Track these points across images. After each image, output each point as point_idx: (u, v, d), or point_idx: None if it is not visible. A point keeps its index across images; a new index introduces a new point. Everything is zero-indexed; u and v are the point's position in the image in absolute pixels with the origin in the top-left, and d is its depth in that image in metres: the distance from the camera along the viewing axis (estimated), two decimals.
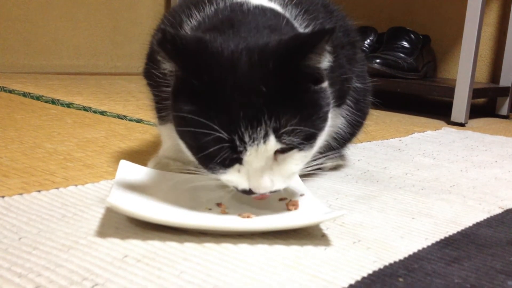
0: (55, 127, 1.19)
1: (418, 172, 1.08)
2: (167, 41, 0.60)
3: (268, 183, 0.64)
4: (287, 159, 0.64)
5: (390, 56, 2.10)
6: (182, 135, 0.65)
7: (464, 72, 1.82)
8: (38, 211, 0.67)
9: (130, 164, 0.81)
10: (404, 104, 2.23)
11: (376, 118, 1.65)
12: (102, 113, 1.44)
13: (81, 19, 2.36)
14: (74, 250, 0.57)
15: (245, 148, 0.61)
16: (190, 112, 0.61)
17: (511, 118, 2.19)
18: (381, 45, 2.24)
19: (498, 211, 0.85)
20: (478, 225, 0.77)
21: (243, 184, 0.64)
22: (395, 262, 0.61)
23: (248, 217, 0.67)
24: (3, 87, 1.67)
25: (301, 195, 0.75)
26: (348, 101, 0.95)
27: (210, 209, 0.70)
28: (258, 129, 0.60)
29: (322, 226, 0.70)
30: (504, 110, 2.20)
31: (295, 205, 0.71)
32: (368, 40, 2.28)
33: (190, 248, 0.60)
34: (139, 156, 1.01)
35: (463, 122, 1.83)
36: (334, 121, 0.94)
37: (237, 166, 0.63)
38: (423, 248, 0.66)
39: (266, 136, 0.60)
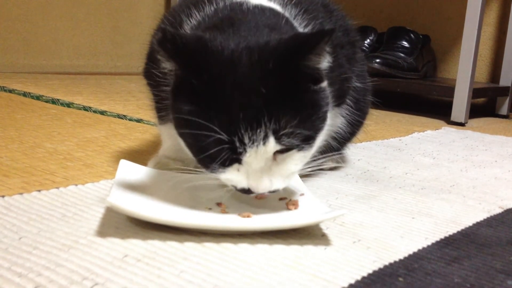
0: (55, 127, 1.19)
1: (418, 171, 1.08)
2: (167, 40, 0.60)
3: (267, 183, 0.64)
4: (287, 159, 0.65)
5: (390, 56, 2.10)
6: (182, 136, 0.65)
7: (464, 72, 1.82)
8: (38, 211, 0.67)
9: (130, 164, 0.81)
10: (404, 103, 2.23)
11: (376, 117, 1.65)
12: (102, 112, 1.44)
13: (81, 19, 2.36)
14: (74, 250, 0.57)
15: (244, 150, 0.61)
16: (190, 113, 0.61)
17: (511, 118, 2.19)
18: (381, 44, 2.24)
19: (498, 210, 0.85)
20: (478, 224, 0.77)
21: (242, 184, 0.65)
22: (395, 262, 0.61)
23: (248, 216, 0.67)
24: (3, 86, 1.67)
25: (301, 194, 0.75)
26: (348, 101, 0.95)
27: (210, 208, 0.70)
28: (258, 130, 0.60)
29: (322, 226, 0.70)
30: (504, 110, 2.20)
31: (295, 204, 0.71)
32: (368, 40, 2.28)
33: (190, 247, 0.60)
34: (139, 155, 1.01)
35: (463, 122, 1.83)
36: (334, 120, 0.94)
37: (236, 165, 0.63)
38: (423, 248, 0.66)
39: (265, 138, 0.60)
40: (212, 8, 0.75)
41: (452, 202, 0.87)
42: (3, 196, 0.70)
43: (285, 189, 0.76)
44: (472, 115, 1.92)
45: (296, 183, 0.79)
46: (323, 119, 0.66)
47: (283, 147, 0.62)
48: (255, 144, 0.60)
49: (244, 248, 0.61)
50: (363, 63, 1.02)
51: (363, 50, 2.17)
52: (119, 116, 1.41)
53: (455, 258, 0.63)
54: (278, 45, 0.62)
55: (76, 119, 1.32)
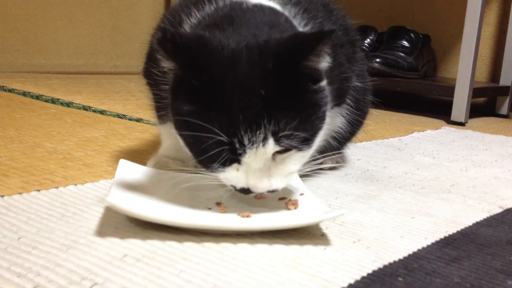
0: (54, 126, 1.19)
1: (418, 171, 1.08)
2: (167, 40, 0.60)
3: (266, 183, 0.64)
4: (286, 159, 0.65)
5: (390, 56, 2.10)
6: (182, 136, 0.65)
7: (464, 71, 1.81)
8: (37, 211, 0.67)
9: (130, 164, 0.81)
10: (404, 103, 2.23)
11: (376, 117, 1.65)
12: (102, 112, 1.43)
13: (81, 18, 2.36)
14: (74, 250, 0.56)
15: (244, 151, 0.61)
16: (189, 113, 0.61)
17: (511, 118, 2.19)
18: (381, 44, 2.24)
19: (498, 210, 0.85)
20: (478, 224, 0.77)
21: (242, 183, 0.65)
22: (394, 262, 0.61)
23: (247, 216, 0.67)
24: (2, 86, 1.67)
25: (301, 194, 0.75)
26: (347, 100, 0.95)
27: (209, 208, 0.70)
28: (257, 132, 0.60)
29: (322, 226, 0.70)
30: (504, 110, 2.20)
31: (295, 204, 0.71)
32: (368, 39, 2.28)
33: (190, 247, 0.60)
34: (138, 155, 1.01)
35: (463, 122, 1.83)
36: (333, 120, 0.94)
37: (235, 165, 0.63)
38: (423, 248, 0.66)
39: (265, 139, 0.60)
40: (212, 8, 0.74)
41: (452, 202, 0.87)
42: (2, 196, 0.70)
43: (285, 189, 0.76)
44: (472, 114, 1.92)
45: (295, 182, 0.79)
46: (322, 119, 0.66)
47: (282, 148, 0.62)
48: (255, 145, 0.61)
49: (243, 248, 0.61)
50: (363, 63, 1.02)
51: (363, 49, 2.17)
52: (119, 116, 1.41)
53: (455, 258, 0.63)
54: (277, 45, 0.62)
55: (76, 118, 1.32)
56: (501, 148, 1.42)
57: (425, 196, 0.89)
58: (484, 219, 0.79)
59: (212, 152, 0.61)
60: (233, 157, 0.62)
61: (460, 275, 0.59)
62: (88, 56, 2.40)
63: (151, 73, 0.80)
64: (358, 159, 1.14)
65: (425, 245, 0.67)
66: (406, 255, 0.63)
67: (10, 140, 1.03)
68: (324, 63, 0.65)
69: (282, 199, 0.74)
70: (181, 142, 0.67)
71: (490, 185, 1.01)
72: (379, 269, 0.58)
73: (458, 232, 0.73)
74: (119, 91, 1.88)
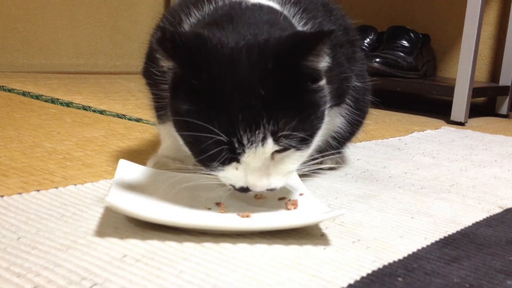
0: (54, 126, 1.19)
1: (418, 171, 1.08)
2: (166, 39, 0.60)
3: (265, 181, 0.64)
4: (284, 158, 0.65)
5: (389, 55, 2.10)
6: (182, 135, 0.65)
7: (463, 71, 1.81)
8: (37, 211, 0.67)
9: (129, 164, 0.80)
10: (404, 103, 2.23)
11: (375, 117, 1.65)
12: (102, 112, 1.43)
13: (81, 18, 2.35)
14: (73, 250, 0.56)
15: (243, 150, 0.61)
16: (188, 112, 0.61)
17: (511, 117, 2.19)
18: (380, 44, 2.24)
19: (498, 210, 0.85)
20: (477, 224, 0.77)
21: (241, 182, 0.65)
22: (394, 262, 0.61)
23: (247, 216, 0.67)
24: (2, 86, 1.67)
25: (300, 194, 0.75)
26: (347, 100, 0.95)
27: (209, 208, 0.70)
28: (257, 132, 0.60)
29: (322, 226, 0.70)
30: (503, 109, 2.20)
31: (294, 204, 0.71)
32: (368, 39, 2.28)
33: (189, 247, 0.60)
34: (138, 155, 1.01)
35: (462, 121, 1.83)
36: (333, 120, 0.94)
37: (234, 164, 0.63)
38: (423, 248, 0.66)
39: (264, 139, 0.61)
40: (211, 7, 0.74)
41: (452, 202, 0.87)
42: (1, 196, 0.70)
43: (284, 189, 0.76)
44: (472, 114, 1.92)
45: (295, 182, 0.79)
46: (321, 118, 0.66)
47: (281, 147, 0.62)
48: (254, 145, 0.61)
49: (243, 248, 0.61)
50: (362, 62, 1.02)
51: (362, 49, 2.17)
52: (119, 116, 1.41)
53: (454, 258, 0.63)
54: (277, 44, 0.62)
55: (76, 118, 1.32)
56: (501, 148, 1.42)
57: (424, 196, 0.89)
58: (484, 219, 0.79)
59: (211, 152, 0.61)
60: (232, 156, 0.62)
61: (459, 275, 0.58)
62: (88, 56, 2.40)
63: (150, 73, 0.80)
64: (358, 159, 1.14)
65: (424, 245, 0.67)
66: (405, 255, 0.63)
67: (9, 140, 1.03)
68: (324, 63, 0.65)
69: (282, 199, 0.74)
70: (180, 141, 0.67)
71: (490, 185, 1.01)
72: (379, 269, 0.58)
73: (457, 232, 0.73)
74: (118, 91, 1.88)
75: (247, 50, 0.61)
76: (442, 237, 0.70)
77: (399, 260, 0.61)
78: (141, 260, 0.56)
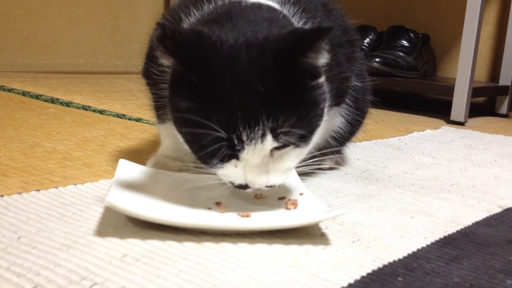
0: (54, 126, 1.19)
1: (418, 171, 1.08)
2: (166, 36, 0.60)
3: (264, 178, 0.65)
4: (283, 155, 0.65)
5: (389, 55, 2.10)
6: (181, 133, 0.66)
7: (463, 71, 1.81)
8: (37, 210, 0.67)
9: (129, 163, 0.80)
10: (404, 103, 2.23)
11: (375, 117, 1.65)
12: (101, 112, 1.43)
13: (81, 18, 2.35)
14: (73, 250, 0.56)
15: (242, 147, 0.61)
16: (188, 109, 0.61)
17: (511, 117, 2.19)
18: (380, 44, 2.24)
19: (498, 210, 0.85)
20: (477, 224, 0.77)
21: (240, 179, 0.65)
22: (394, 261, 0.61)
23: (247, 216, 0.67)
24: (2, 86, 1.67)
25: (300, 194, 0.75)
26: (347, 100, 0.95)
27: (209, 208, 0.70)
28: (256, 128, 0.60)
29: (322, 225, 0.70)
30: (503, 109, 2.20)
31: (294, 204, 0.71)
32: (368, 39, 2.28)
33: (189, 247, 0.60)
34: (138, 155, 1.01)
35: (462, 121, 1.83)
36: (333, 120, 0.94)
37: (234, 161, 0.64)
38: (422, 247, 0.66)
39: (263, 136, 0.61)
40: (211, 7, 0.75)
41: (452, 202, 0.87)
42: (1, 196, 0.70)
43: (284, 189, 0.76)
44: (471, 114, 1.92)
45: (295, 182, 0.79)
46: (320, 116, 0.66)
47: (280, 144, 0.63)
48: (253, 142, 0.61)
49: (243, 247, 0.61)
50: (362, 62, 1.02)
51: (362, 49, 2.17)
52: (118, 115, 1.41)
53: (454, 258, 0.63)
54: (276, 41, 0.62)
55: (75, 118, 1.32)
56: (501, 147, 1.42)
57: (424, 195, 0.90)
58: (484, 219, 0.79)
59: (210, 148, 0.62)
60: (232, 153, 0.62)
61: (459, 274, 0.59)
62: (87, 55, 2.40)
63: (150, 73, 0.81)
64: (358, 159, 1.14)
65: (424, 245, 0.67)
66: (405, 254, 0.63)
67: (9, 139, 1.03)
68: (323, 59, 0.65)
69: (282, 198, 0.74)
70: (179, 138, 0.67)
71: (490, 184, 1.01)
72: (379, 268, 0.58)
73: (457, 231, 0.73)
74: (118, 90, 1.88)
75: (246, 47, 0.62)
76: (442, 236, 0.70)
77: (399, 259, 0.61)
78: (141, 259, 0.56)
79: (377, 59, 2.06)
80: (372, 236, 0.68)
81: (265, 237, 0.64)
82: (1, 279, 0.49)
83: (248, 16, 0.68)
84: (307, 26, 0.77)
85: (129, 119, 1.38)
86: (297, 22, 0.77)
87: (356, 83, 0.96)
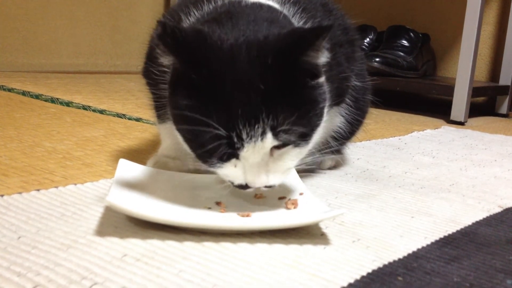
0: (54, 126, 1.19)
1: (418, 171, 1.08)
2: (167, 34, 0.60)
3: (264, 178, 0.65)
4: (283, 155, 0.65)
5: (389, 55, 2.10)
6: (181, 131, 0.66)
7: (463, 71, 1.81)
8: (37, 210, 0.67)
9: (129, 163, 0.81)
10: (404, 102, 2.23)
11: (375, 116, 1.65)
12: (102, 111, 1.43)
13: (81, 18, 2.35)
14: (73, 249, 0.56)
15: (242, 145, 0.61)
16: (188, 107, 0.61)
17: (511, 117, 2.19)
18: (380, 43, 2.24)
19: (498, 210, 0.85)
20: (477, 224, 0.77)
21: (239, 179, 0.65)
22: (394, 261, 0.61)
23: (247, 216, 0.67)
24: (2, 85, 1.67)
25: (300, 194, 0.75)
26: (347, 100, 0.95)
27: (209, 208, 0.70)
28: (256, 126, 0.60)
29: (322, 225, 0.70)
30: (503, 109, 2.20)
31: (294, 204, 0.71)
32: (368, 39, 2.28)
33: (190, 247, 0.60)
34: (138, 155, 1.01)
35: (462, 121, 1.83)
36: (333, 119, 0.94)
37: (233, 160, 0.64)
38: (423, 247, 0.66)
39: (263, 133, 0.61)
40: (211, 7, 0.75)
41: (452, 201, 0.87)
42: (2, 195, 0.70)
43: (285, 188, 0.76)
44: (471, 114, 1.92)
45: (295, 182, 0.79)
46: (320, 115, 0.66)
47: (280, 143, 0.63)
48: (253, 139, 0.61)
49: (243, 247, 0.61)
50: (362, 62, 1.02)
51: (362, 49, 2.17)
52: (118, 115, 1.41)
53: (454, 257, 0.63)
54: (277, 40, 0.62)
55: (75, 118, 1.32)
56: (501, 147, 1.42)
57: (424, 195, 0.90)
58: (484, 219, 0.79)
59: (210, 146, 0.61)
60: (231, 152, 0.62)
61: (459, 274, 0.59)
62: (87, 55, 2.40)
63: (150, 73, 0.81)
64: (358, 159, 1.14)
65: (424, 245, 0.67)
66: (405, 254, 0.63)
67: (9, 139, 1.03)
68: (323, 58, 0.65)
69: (282, 198, 0.74)
70: (179, 137, 0.67)
71: (490, 184, 1.01)
72: (379, 268, 0.58)
73: (457, 231, 0.73)
74: (118, 90, 1.88)
75: (246, 46, 0.62)
76: (442, 236, 0.70)
77: (399, 259, 0.61)
78: (141, 259, 0.56)
79: (377, 59, 2.06)
80: (372, 235, 0.68)
81: (265, 237, 0.64)
82: (2, 278, 0.49)
83: (248, 16, 0.68)
84: (307, 26, 0.77)
85: (129, 118, 1.38)
86: (297, 22, 0.77)
87: (356, 82, 0.96)
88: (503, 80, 2.17)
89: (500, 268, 0.61)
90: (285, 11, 0.76)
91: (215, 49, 0.62)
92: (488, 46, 2.26)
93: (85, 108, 1.46)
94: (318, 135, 0.68)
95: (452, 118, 1.85)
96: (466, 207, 0.85)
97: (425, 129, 1.62)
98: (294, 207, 0.71)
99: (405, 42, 2.16)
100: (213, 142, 0.61)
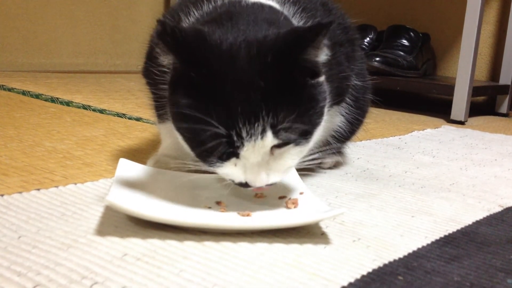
0: (54, 126, 1.19)
1: (418, 170, 1.08)
2: (166, 33, 0.60)
3: (264, 177, 0.65)
4: (284, 153, 0.65)
5: (389, 54, 2.10)
6: (180, 130, 0.66)
7: (463, 70, 1.81)
8: (37, 210, 0.67)
9: (130, 163, 0.81)
10: (404, 102, 2.23)
11: (375, 116, 1.65)
12: (102, 111, 1.43)
13: (81, 17, 2.35)
14: (74, 249, 0.56)
15: (242, 144, 0.61)
16: (188, 106, 0.61)
17: (511, 116, 2.19)
18: (380, 43, 2.23)
19: (498, 209, 0.85)
20: (477, 223, 0.77)
21: (240, 178, 0.65)
22: (394, 261, 0.61)
23: (247, 215, 0.67)
24: (2, 85, 1.67)
25: (301, 193, 0.75)
26: (347, 99, 0.95)
27: (209, 207, 0.70)
28: (256, 125, 0.60)
29: (322, 225, 0.70)
30: (503, 108, 2.20)
31: (295, 203, 0.71)
32: (368, 38, 2.28)
33: (190, 246, 0.60)
34: (138, 154, 1.01)
35: (462, 120, 1.83)
36: (333, 119, 0.94)
37: (233, 159, 0.64)
38: (423, 247, 0.66)
39: (263, 132, 0.61)
40: (211, 6, 0.75)
41: (452, 201, 0.87)
42: (2, 195, 0.70)
43: (285, 188, 0.76)
44: (471, 113, 1.92)
45: (295, 181, 0.79)
46: (320, 114, 0.66)
47: (281, 141, 0.63)
48: (253, 138, 0.61)
49: (243, 247, 0.61)
50: (362, 61, 1.02)
51: (362, 48, 2.17)
52: (118, 115, 1.41)
53: (454, 257, 0.63)
54: (276, 39, 0.62)
55: (75, 117, 1.32)
56: (501, 147, 1.42)
57: (425, 195, 0.90)
58: (484, 218, 0.79)
59: (209, 145, 0.61)
60: (231, 150, 0.62)
61: (460, 273, 0.59)
62: (87, 55, 2.40)
63: (150, 73, 0.81)
64: (358, 158, 1.14)
65: (425, 244, 0.67)
66: (406, 254, 0.63)
67: (9, 139, 1.03)
68: (323, 56, 0.65)
69: (282, 198, 0.74)
70: (179, 137, 0.67)
71: (490, 184, 1.01)
72: (379, 267, 0.58)
73: (458, 231, 0.73)
74: (118, 90, 1.88)
75: (246, 45, 0.62)
76: (442, 235, 0.70)
77: (400, 258, 0.61)
78: (142, 259, 0.56)
79: (377, 58, 2.06)
80: (372, 235, 0.68)
81: (266, 236, 0.64)
82: (2, 278, 0.49)
83: (248, 16, 0.68)
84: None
85: (129, 118, 1.38)
86: (297, 22, 0.77)
87: (356, 82, 0.96)
88: (503, 80, 2.17)
89: (500, 267, 0.61)
90: (285, 11, 0.76)
91: (214, 48, 0.62)
92: (488, 45, 2.26)
93: (85, 107, 1.46)
94: (318, 134, 0.68)
95: (452, 117, 1.85)
96: (467, 207, 0.85)
97: (425, 129, 1.62)
98: (295, 207, 0.71)
99: (405, 42, 2.16)
100: (212, 141, 0.61)
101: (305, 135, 0.64)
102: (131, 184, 0.73)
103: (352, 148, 1.16)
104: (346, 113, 0.97)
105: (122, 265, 0.54)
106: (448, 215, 0.79)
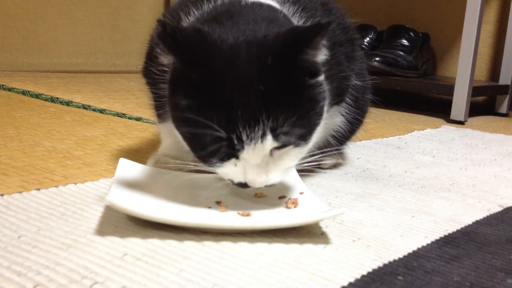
0: (54, 125, 1.19)
1: (418, 170, 1.08)
2: (167, 34, 0.60)
3: (264, 178, 0.65)
4: (283, 155, 0.65)
5: (389, 54, 2.10)
6: (180, 131, 0.66)
7: (463, 70, 1.81)
8: (37, 209, 0.67)
9: (130, 162, 0.80)
10: (404, 102, 2.23)
11: (375, 116, 1.65)
12: (101, 111, 1.43)
13: (81, 17, 2.35)
14: (74, 249, 0.56)
15: (242, 147, 0.61)
16: (188, 108, 0.61)
17: (511, 116, 2.19)
18: (380, 43, 2.23)
19: (498, 209, 0.85)
20: (477, 223, 0.77)
21: (239, 178, 0.65)
22: (394, 260, 0.61)
23: (247, 215, 0.67)
24: (2, 85, 1.67)
25: (301, 193, 0.75)
26: (347, 99, 0.95)
27: (209, 207, 0.70)
28: (256, 128, 0.60)
29: (322, 224, 0.70)
30: (503, 108, 2.20)
31: (295, 203, 0.71)
32: (368, 38, 2.28)
33: (190, 246, 0.60)
34: (138, 154, 1.01)
35: (462, 120, 1.83)
36: (333, 119, 0.94)
37: (233, 160, 0.64)
38: (423, 246, 0.66)
39: (263, 135, 0.61)
40: (211, 6, 0.75)
41: (452, 201, 0.87)
42: (2, 195, 0.70)
43: (285, 187, 0.76)
44: (471, 113, 1.92)
45: (295, 181, 0.79)
46: (320, 114, 0.66)
47: (280, 144, 0.62)
48: (253, 141, 0.61)
49: (243, 246, 0.61)
50: (362, 61, 1.02)
51: (362, 48, 2.17)
52: (118, 115, 1.41)
53: (454, 257, 0.63)
54: (276, 39, 0.62)
55: (75, 117, 1.32)
56: (501, 146, 1.42)
57: (425, 195, 0.90)
58: (484, 218, 0.79)
59: (210, 148, 0.62)
60: (231, 152, 0.62)
61: (460, 273, 0.59)
62: (87, 55, 2.40)
63: (150, 72, 0.81)
64: (358, 158, 1.14)
65: (425, 244, 0.67)
66: (406, 253, 0.63)
67: (9, 139, 1.03)
68: (322, 55, 0.65)
69: (282, 197, 0.74)
70: (178, 136, 0.67)
71: (490, 183, 1.01)
72: (379, 267, 0.58)
73: (458, 230, 0.73)
74: (118, 90, 1.88)
75: (246, 46, 0.62)
76: (442, 235, 0.70)
77: (400, 258, 0.61)
78: (142, 258, 0.56)
79: (377, 58, 2.06)
80: (372, 235, 0.68)
81: (266, 236, 0.64)
82: (2, 278, 0.49)
83: (247, 15, 0.68)
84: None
85: (129, 118, 1.38)
86: (297, 21, 0.77)
87: (356, 82, 0.96)
88: (503, 80, 2.17)
89: (500, 267, 0.61)
90: (284, 11, 0.76)
91: (215, 48, 0.62)
92: (488, 45, 2.26)
93: (85, 107, 1.46)
94: (318, 134, 0.68)
95: (452, 117, 1.85)
96: (466, 207, 0.85)
97: (425, 129, 1.62)
98: (295, 207, 0.71)
99: (405, 42, 2.16)
100: (213, 144, 0.61)
101: (305, 136, 0.65)
102: (131, 184, 0.73)
103: (352, 148, 1.16)
104: (346, 113, 0.97)
105: (122, 265, 0.54)
106: (448, 215, 0.79)
